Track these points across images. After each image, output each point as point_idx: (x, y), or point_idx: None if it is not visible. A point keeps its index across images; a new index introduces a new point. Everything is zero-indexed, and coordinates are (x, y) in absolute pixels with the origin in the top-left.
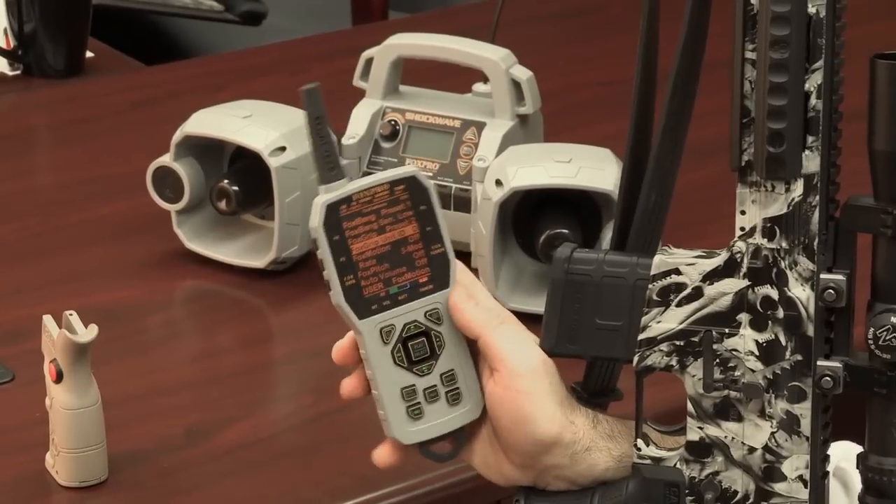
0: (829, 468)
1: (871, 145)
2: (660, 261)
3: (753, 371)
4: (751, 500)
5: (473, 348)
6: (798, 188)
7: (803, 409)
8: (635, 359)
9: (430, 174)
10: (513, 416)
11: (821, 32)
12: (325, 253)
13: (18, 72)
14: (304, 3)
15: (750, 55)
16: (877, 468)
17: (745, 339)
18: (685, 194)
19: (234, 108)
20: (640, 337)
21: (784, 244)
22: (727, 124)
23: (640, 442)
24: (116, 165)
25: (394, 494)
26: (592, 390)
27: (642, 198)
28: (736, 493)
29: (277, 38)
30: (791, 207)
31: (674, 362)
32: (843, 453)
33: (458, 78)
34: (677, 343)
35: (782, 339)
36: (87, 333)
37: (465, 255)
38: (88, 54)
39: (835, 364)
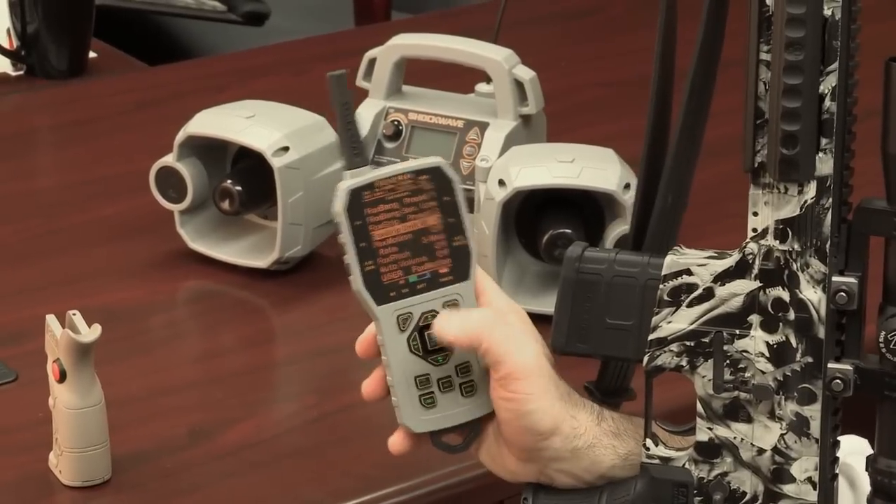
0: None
1: (886, 149)
2: (671, 261)
3: (764, 373)
4: (759, 502)
5: None
6: (811, 190)
7: (813, 412)
8: (645, 359)
9: None
10: (512, 413)
11: (836, 35)
12: (346, 237)
13: (21, 72)
14: (307, 4)
15: (765, 56)
16: (886, 471)
17: (756, 341)
18: (696, 193)
19: (237, 108)
20: (651, 337)
21: (796, 246)
22: (737, 124)
23: (648, 441)
24: (119, 166)
25: (396, 494)
26: (606, 390)
27: (659, 198)
28: (745, 494)
29: (280, 38)
30: (804, 210)
31: (684, 363)
32: (850, 448)
33: (460, 78)
34: (688, 344)
35: (793, 341)
36: (90, 333)
37: (476, 247)
38: (91, 55)
39: (845, 367)
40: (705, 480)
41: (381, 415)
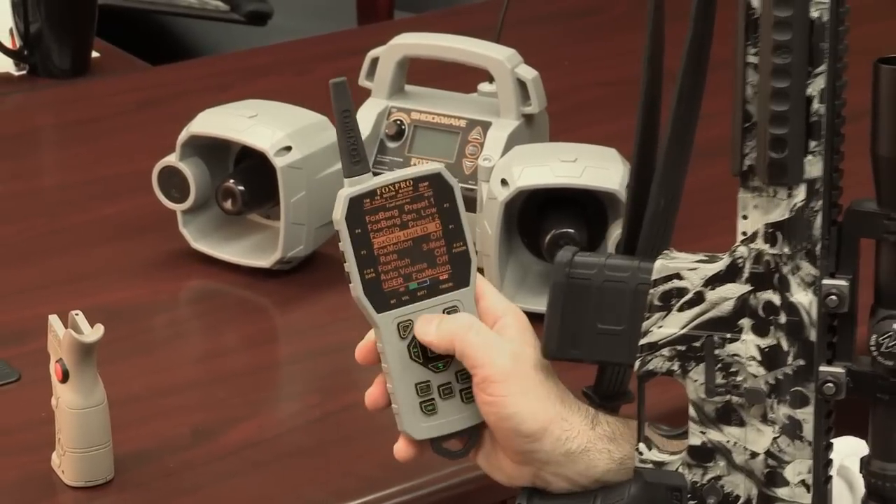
0: (834, 467)
1: (875, 151)
2: (661, 265)
3: (755, 376)
4: None
5: None
6: (800, 193)
7: (806, 415)
8: (637, 363)
9: None
10: (494, 416)
11: (823, 37)
12: (346, 245)
13: (24, 72)
14: (310, 3)
15: (752, 59)
16: (880, 474)
17: (747, 345)
18: (687, 195)
19: (240, 107)
20: (642, 342)
21: (786, 249)
22: (729, 126)
23: (642, 446)
24: (122, 165)
25: (399, 494)
26: (605, 394)
27: (651, 201)
28: (738, 497)
29: (283, 37)
30: (793, 213)
31: (675, 367)
32: (849, 450)
33: (463, 77)
34: (679, 348)
35: (784, 344)
36: (92, 333)
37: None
38: (94, 54)
39: (837, 370)
40: (699, 484)
41: (383, 415)
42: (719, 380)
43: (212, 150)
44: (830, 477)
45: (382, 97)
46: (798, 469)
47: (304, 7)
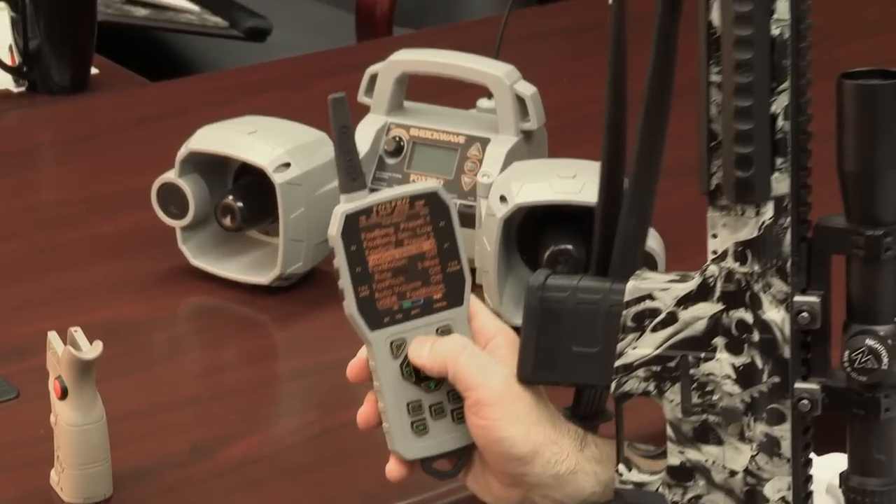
0: (823, 485)
1: (841, 166)
2: (633, 286)
3: (731, 395)
4: None
5: None
6: (768, 211)
7: (783, 431)
8: (613, 385)
9: None
10: (485, 439)
11: (785, 54)
12: (341, 262)
13: (23, 88)
14: (309, 20)
15: (715, 78)
16: (859, 489)
17: (722, 363)
18: (684, 211)
19: (239, 124)
20: (617, 363)
21: (756, 267)
22: None
23: (621, 467)
24: (121, 182)
25: None
26: (583, 414)
27: (622, 221)
28: None
29: (282, 54)
30: (762, 230)
31: (651, 388)
32: (837, 466)
33: (462, 94)
34: (654, 368)
35: (759, 362)
36: (91, 350)
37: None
38: (93, 71)
39: (812, 386)
40: None
41: (382, 432)
42: (695, 399)
43: (211, 167)
44: (811, 493)
45: (381, 113)
46: (778, 486)
47: (303, 23)
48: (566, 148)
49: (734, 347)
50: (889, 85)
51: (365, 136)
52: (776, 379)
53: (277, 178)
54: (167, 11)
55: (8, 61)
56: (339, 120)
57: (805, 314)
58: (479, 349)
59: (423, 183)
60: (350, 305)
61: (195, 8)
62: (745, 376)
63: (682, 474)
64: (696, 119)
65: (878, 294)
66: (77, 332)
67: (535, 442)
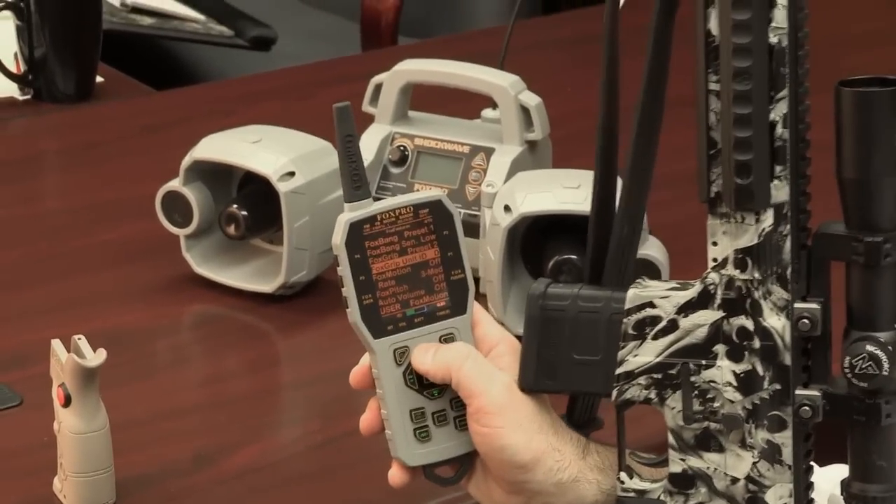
0: (825, 495)
1: (839, 174)
2: (634, 294)
3: (732, 402)
4: None
5: None
6: (768, 218)
7: (784, 438)
8: (614, 393)
9: None
10: (486, 447)
11: (783, 62)
12: (345, 270)
13: (28, 96)
14: (314, 29)
15: (714, 87)
16: (860, 496)
17: (723, 371)
18: (687, 222)
19: (244, 132)
20: (618, 371)
21: (757, 275)
22: None
23: (623, 475)
24: (125, 190)
25: None
26: (577, 422)
27: (615, 230)
28: None
29: (287, 63)
30: (762, 238)
31: (653, 395)
32: (839, 477)
33: (466, 103)
34: (655, 376)
35: (760, 369)
36: (95, 358)
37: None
38: (98, 79)
39: (813, 393)
40: None
41: (385, 440)
42: (696, 406)
43: (215, 175)
44: (812, 500)
45: (386, 123)
46: (779, 493)
47: (308, 32)
48: (570, 158)
49: (735, 355)
50: (886, 92)
51: (369, 145)
52: (777, 386)
53: (282, 187)
54: (172, 20)
55: (13, 69)
56: (344, 129)
57: (805, 321)
58: (482, 357)
59: (426, 192)
60: (354, 313)
61: (200, 17)
62: (746, 383)
63: (683, 482)
64: (696, 127)
65: (877, 300)
66: (81, 340)
67: (538, 450)
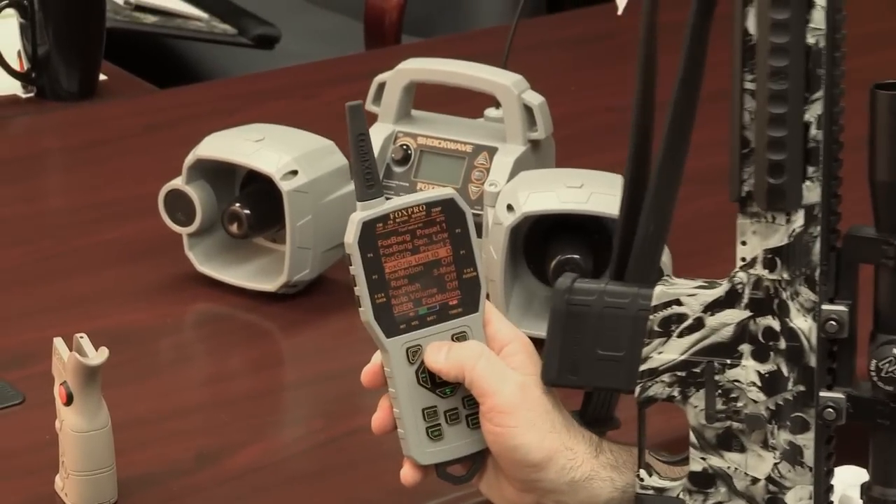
0: (836, 496)
1: (872, 176)
2: (661, 291)
3: (756, 402)
4: None
5: None
6: (799, 219)
7: (806, 440)
8: (637, 390)
9: None
10: (499, 446)
11: (820, 63)
12: (358, 269)
13: (32, 94)
14: (318, 28)
15: (749, 86)
16: (881, 499)
17: (747, 370)
18: (693, 222)
19: (247, 131)
20: (642, 368)
21: (785, 275)
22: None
23: (642, 472)
24: (128, 188)
25: None
26: (590, 419)
27: (641, 226)
28: None
29: (290, 62)
30: (792, 238)
31: (676, 393)
32: (851, 479)
33: (470, 103)
34: (679, 374)
35: (784, 370)
36: (97, 356)
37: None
38: (102, 77)
39: (838, 395)
40: None
41: (388, 440)
42: (720, 405)
43: (218, 174)
44: (832, 503)
45: (389, 122)
46: (799, 495)
47: (311, 31)
48: (573, 157)
49: (760, 355)
50: None
51: (372, 144)
52: (801, 387)
53: (285, 186)
54: (176, 18)
55: (17, 67)
56: (357, 128)
57: (832, 323)
58: (495, 356)
59: (438, 190)
60: (367, 313)
61: (204, 15)
62: (771, 384)
63: (703, 481)
64: (729, 126)
65: None
66: (83, 339)
67: (550, 448)
